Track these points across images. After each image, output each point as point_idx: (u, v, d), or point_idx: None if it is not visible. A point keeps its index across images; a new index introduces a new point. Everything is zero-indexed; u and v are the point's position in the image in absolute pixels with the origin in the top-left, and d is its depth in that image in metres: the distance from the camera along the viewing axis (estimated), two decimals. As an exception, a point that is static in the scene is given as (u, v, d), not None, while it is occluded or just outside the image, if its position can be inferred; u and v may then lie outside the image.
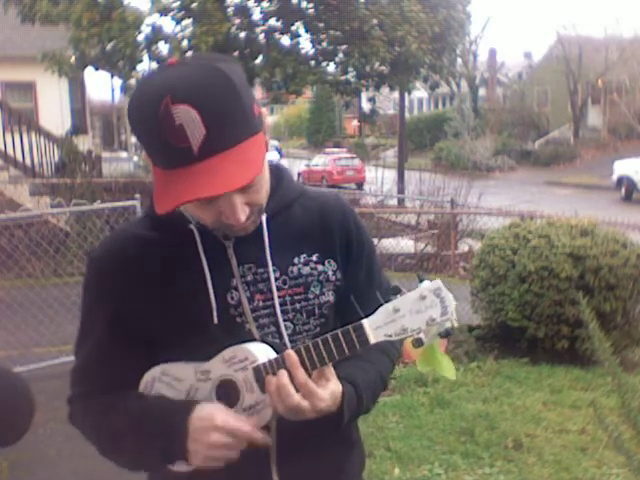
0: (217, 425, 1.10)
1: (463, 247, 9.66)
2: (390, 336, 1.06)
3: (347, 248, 1.29)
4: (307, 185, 1.39)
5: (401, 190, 14.87)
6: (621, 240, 5.14)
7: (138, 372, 1.23)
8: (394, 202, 14.11)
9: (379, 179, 14.68)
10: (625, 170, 18.57)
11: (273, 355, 1.14)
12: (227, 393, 1.16)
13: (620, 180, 18.75)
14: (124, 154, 23.59)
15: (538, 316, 5.03)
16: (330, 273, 1.26)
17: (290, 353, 1.10)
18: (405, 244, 9.95)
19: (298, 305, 1.23)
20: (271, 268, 1.20)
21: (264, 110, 1.14)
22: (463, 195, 10.64)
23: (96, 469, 3.60)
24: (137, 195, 6.08)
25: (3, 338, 5.39)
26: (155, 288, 1.18)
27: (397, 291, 1.07)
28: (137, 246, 1.21)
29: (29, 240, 7.53)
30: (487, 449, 3.74)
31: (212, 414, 1.11)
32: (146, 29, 10.08)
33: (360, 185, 22.60)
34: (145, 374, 1.22)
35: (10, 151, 11.30)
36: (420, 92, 29.96)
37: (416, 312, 1.05)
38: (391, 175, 16.42)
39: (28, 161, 11.45)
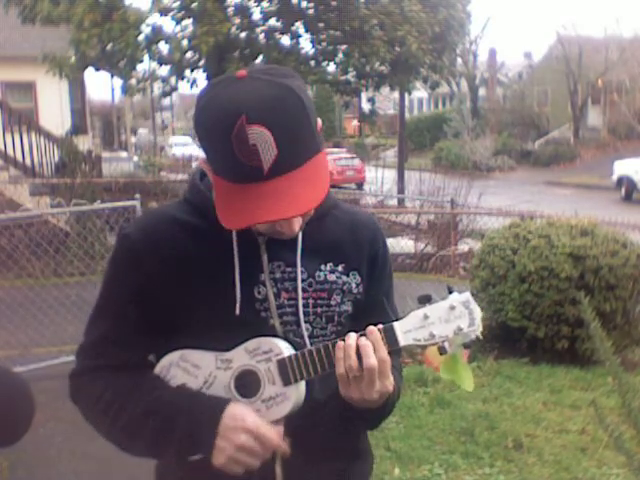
0: (248, 427, 1.11)
1: (463, 247, 9.66)
2: (419, 341, 1.11)
3: (372, 266, 1.31)
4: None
5: (401, 190, 14.89)
6: (621, 240, 5.14)
7: (153, 353, 1.24)
8: (394, 202, 14.12)
9: (379, 179, 14.68)
10: (625, 170, 18.57)
11: (293, 351, 1.16)
12: (246, 383, 1.17)
13: (620, 180, 18.74)
14: (124, 154, 23.61)
15: (538, 316, 5.03)
16: (353, 285, 1.28)
17: (373, 329, 1.12)
18: (405, 244, 9.95)
19: (319, 309, 1.24)
20: (300, 269, 1.22)
21: (319, 120, 1.15)
22: (463, 195, 10.63)
23: (96, 469, 3.61)
24: (137, 195, 6.07)
25: (3, 338, 5.39)
26: (183, 272, 1.19)
27: (427, 299, 1.12)
28: (172, 228, 1.22)
29: (29, 240, 7.52)
30: (487, 449, 3.74)
31: (244, 415, 1.12)
32: (146, 29, 10.09)
33: (360, 185, 22.56)
34: (163, 358, 1.22)
35: (10, 151, 11.29)
36: (420, 92, 29.98)
37: (445, 321, 1.10)
38: (391, 175, 16.42)
39: (28, 161, 11.44)
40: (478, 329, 1.10)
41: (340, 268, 1.27)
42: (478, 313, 1.10)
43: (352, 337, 1.12)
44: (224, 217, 1.09)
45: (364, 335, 1.12)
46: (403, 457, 3.65)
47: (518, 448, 3.75)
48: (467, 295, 1.11)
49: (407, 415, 4.18)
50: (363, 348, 1.10)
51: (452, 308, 1.10)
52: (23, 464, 3.65)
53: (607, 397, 4.28)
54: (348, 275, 1.28)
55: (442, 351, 1.10)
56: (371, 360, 1.10)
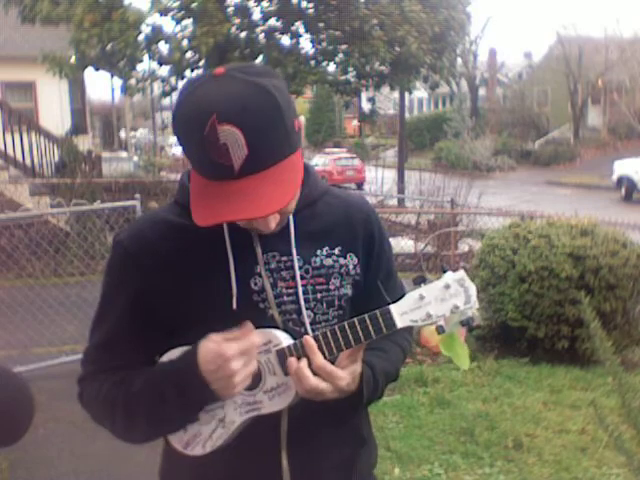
0: (228, 355, 1.10)
1: (463, 247, 9.66)
2: (416, 322, 1.11)
3: (369, 246, 1.32)
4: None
5: (401, 190, 14.88)
6: (621, 240, 5.14)
7: (154, 354, 1.25)
8: (394, 202, 14.13)
9: (379, 179, 14.71)
10: (625, 170, 18.57)
11: (292, 341, 1.17)
12: None
13: (620, 180, 18.75)
14: (124, 154, 23.57)
15: (538, 316, 5.03)
16: (351, 267, 1.29)
17: (308, 339, 1.14)
18: (405, 244, 9.96)
19: (319, 295, 1.25)
20: (295, 256, 1.23)
21: (301, 118, 1.15)
22: (463, 195, 10.64)
23: (96, 469, 3.61)
24: (137, 195, 6.07)
25: (3, 338, 5.38)
26: (178, 273, 1.21)
27: (422, 280, 1.12)
28: (163, 230, 1.23)
29: (29, 240, 7.52)
30: (487, 449, 3.74)
31: (216, 348, 1.11)
32: (146, 29, 10.08)
33: (360, 185, 22.57)
34: (162, 356, 1.23)
35: (10, 151, 11.28)
36: (420, 92, 29.96)
37: (441, 300, 1.10)
38: (391, 175, 16.44)
39: (28, 161, 11.43)
40: (474, 306, 1.10)
41: (337, 251, 1.28)
42: (473, 290, 1.11)
43: (292, 364, 1.13)
44: (194, 212, 1.11)
45: (301, 345, 1.14)
46: (403, 457, 3.65)
47: (518, 448, 3.75)
48: (461, 273, 1.11)
49: (407, 415, 4.18)
50: (299, 371, 1.12)
51: (447, 287, 1.10)
52: (23, 464, 3.66)
53: (607, 397, 4.28)
54: (345, 257, 1.28)
55: (440, 330, 1.11)
56: (307, 381, 1.12)
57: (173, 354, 1.22)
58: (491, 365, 5.02)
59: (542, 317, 5.02)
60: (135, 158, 21.31)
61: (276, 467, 1.24)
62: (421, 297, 1.10)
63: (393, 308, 1.12)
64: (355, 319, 1.13)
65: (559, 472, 3.51)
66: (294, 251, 1.23)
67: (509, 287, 5.14)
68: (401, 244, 9.74)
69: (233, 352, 1.10)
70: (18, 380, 1.29)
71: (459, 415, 4.18)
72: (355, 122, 37.77)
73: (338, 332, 1.14)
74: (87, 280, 6.40)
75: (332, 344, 1.14)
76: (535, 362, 5.08)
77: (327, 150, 29.05)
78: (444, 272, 1.12)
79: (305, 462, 1.24)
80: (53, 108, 15.13)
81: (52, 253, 7.27)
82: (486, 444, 3.79)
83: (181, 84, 10.90)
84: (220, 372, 1.11)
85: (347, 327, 1.13)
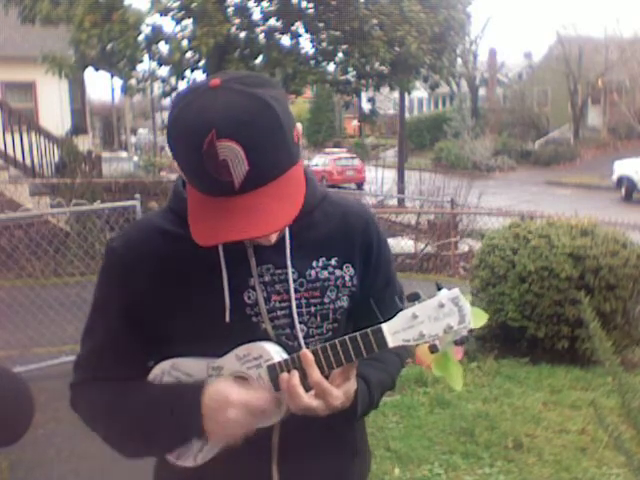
0: (232, 401, 1.09)
1: (463, 247, 9.67)
2: (408, 341, 1.08)
3: (367, 256, 1.29)
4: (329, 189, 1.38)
5: (401, 190, 14.90)
6: (621, 240, 5.14)
7: (147, 364, 1.24)
8: (394, 202, 14.14)
9: (379, 179, 14.73)
10: (625, 170, 18.59)
11: (285, 356, 1.15)
12: None
13: (620, 180, 18.77)
14: (124, 154, 23.58)
15: (538, 316, 5.03)
16: (347, 278, 1.26)
17: (306, 352, 1.10)
18: (405, 244, 9.96)
19: (313, 308, 1.22)
20: (290, 270, 1.20)
21: (299, 126, 1.12)
22: (463, 195, 10.66)
23: (96, 469, 3.61)
24: (137, 195, 6.07)
25: (3, 338, 5.38)
26: (173, 282, 1.18)
27: (416, 297, 1.08)
28: (157, 239, 1.20)
29: (29, 240, 7.51)
30: (487, 449, 3.74)
31: (225, 391, 1.10)
32: (146, 29, 10.09)
33: (360, 185, 22.59)
34: (154, 367, 1.22)
35: (10, 151, 11.30)
36: (420, 92, 29.98)
37: (434, 319, 1.07)
38: (391, 175, 16.46)
39: (28, 161, 11.45)
40: (469, 325, 1.07)
41: (333, 262, 1.25)
42: (468, 309, 1.07)
43: (285, 380, 1.11)
44: (196, 232, 1.07)
45: (296, 361, 1.11)
46: (403, 457, 3.65)
47: (518, 448, 3.75)
48: (456, 291, 1.08)
49: (407, 415, 4.18)
50: (292, 389, 1.09)
51: (441, 306, 1.07)
52: (23, 464, 3.66)
53: (607, 397, 4.28)
54: (342, 268, 1.25)
55: (433, 350, 1.08)
56: (299, 400, 1.09)
57: (165, 366, 1.21)
58: (491, 365, 5.02)
59: (542, 317, 5.02)
60: (135, 158, 21.32)
61: (266, 477, 1.22)
62: (414, 316, 1.07)
63: (385, 327, 1.08)
64: (346, 337, 1.10)
65: (559, 472, 3.51)
66: (289, 264, 1.20)
67: (509, 287, 5.14)
68: (401, 244, 9.74)
69: (236, 399, 1.09)
70: (18, 380, 1.29)
71: (459, 415, 4.18)
72: (355, 122, 37.78)
73: (329, 349, 1.10)
74: (87, 280, 6.39)
75: (323, 361, 1.11)
76: (535, 362, 5.08)
77: (327, 150, 29.07)
78: (438, 289, 1.08)
79: (296, 475, 1.23)
80: (53, 108, 15.14)
81: (52, 253, 7.27)
82: (486, 444, 3.78)
83: (181, 84, 10.91)
84: (217, 414, 1.10)
85: (338, 345, 1.10)
